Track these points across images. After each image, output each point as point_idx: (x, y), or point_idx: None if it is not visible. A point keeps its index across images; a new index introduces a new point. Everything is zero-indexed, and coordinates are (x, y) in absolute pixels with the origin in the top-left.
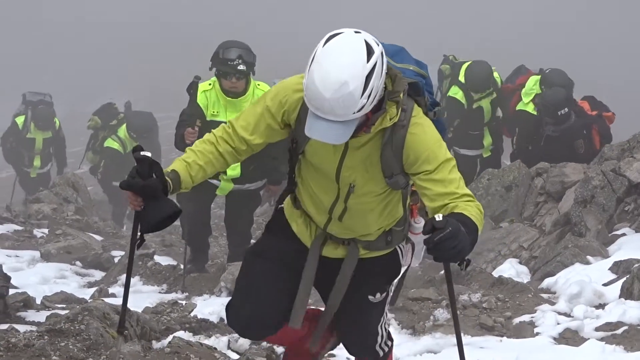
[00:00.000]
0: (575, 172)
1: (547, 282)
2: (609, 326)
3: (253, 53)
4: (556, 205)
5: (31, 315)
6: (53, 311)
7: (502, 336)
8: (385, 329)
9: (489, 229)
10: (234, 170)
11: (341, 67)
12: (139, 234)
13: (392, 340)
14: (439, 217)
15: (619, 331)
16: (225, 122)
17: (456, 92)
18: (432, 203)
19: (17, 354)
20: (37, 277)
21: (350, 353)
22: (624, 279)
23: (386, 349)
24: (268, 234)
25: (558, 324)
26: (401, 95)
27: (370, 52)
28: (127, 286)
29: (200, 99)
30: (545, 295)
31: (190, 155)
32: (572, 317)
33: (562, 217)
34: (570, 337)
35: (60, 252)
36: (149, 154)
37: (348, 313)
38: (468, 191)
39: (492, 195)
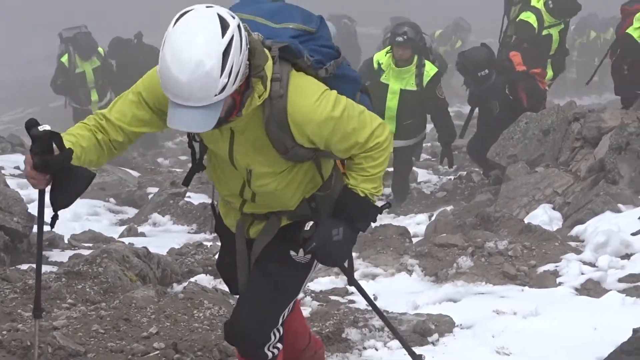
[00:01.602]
0: (613, 118)
1: (577, 229)
2: (632, 278)
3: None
4: (592, 151)
5: (55, 254)
6: (76, 251)
7: (524, 285)
8: (280, 330)
9: (524, 174)
10: None
11: (194, 46)
12: (51, 213)
13: (282, 343)
14: (307, 226)
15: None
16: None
17: (529, 16)
18: (341, 155)
19: (32, 296)
20: (69, 214)
21: (233, 338)
22: None
23: (276, 352)
24: (220, 242)
25: (582, 274)
26: (268, 65)
27: (224, 26)
28: (38, 272)
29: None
30: (573, 244)
31: (69, 138)
32: (597, 267)
33: (597, 163)
34: (591, 288)
35: (94, 189)
36: (47, 127)
37: (264, 269)
38: (371, 128)
39: (530, 139)
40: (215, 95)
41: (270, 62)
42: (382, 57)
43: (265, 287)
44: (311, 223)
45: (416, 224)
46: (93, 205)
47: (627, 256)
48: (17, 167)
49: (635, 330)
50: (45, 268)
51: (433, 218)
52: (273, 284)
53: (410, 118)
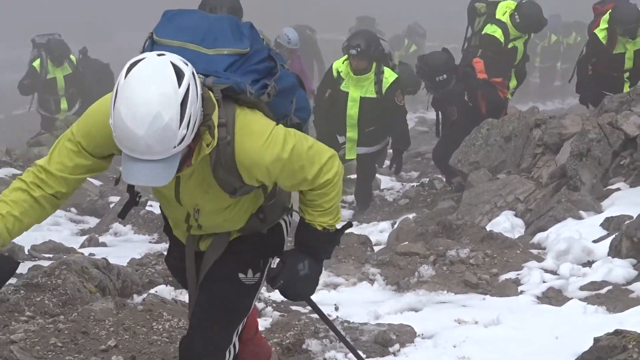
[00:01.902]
0: (574, 124)
1: (539, 237)
2: (593, 285)
3: (239, 5)
4: (554, 158)
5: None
6: (36, 262)
7: (485, 294)
8: (235, 346)
9: (486, 180)
10: None
11: (150, 98)
12: None
13: (236, 350)
14: (274, 263)
15: (603, 291)
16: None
17: (494, 30)
18: (291, 189)
19: None
20: None
21: (195, 352)
22: (614, 236)
23: (233, 354)
24: (168, 250)
25: (543, 282)
26: (215, 114)
27: (180, 75)
28: None
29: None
30: (534, 251)
31: (2, 207)
32: (558, 275)
33: (558, 169)
34: (553, 297)
35: None
36: None
37: (212, 291)
38: (320, 163)
39: (491, 145)
40: (174, 147)
41: (216, 109)
42: (340, 66)
43: (215, 311)
44: (277, 260)
45: (379, 231)
46: (54, 214)
47: (588, 263)
48: None
49: (596, 339)
50: None
51: (395, 226)
52: (223, 307)
53: (372, 125)
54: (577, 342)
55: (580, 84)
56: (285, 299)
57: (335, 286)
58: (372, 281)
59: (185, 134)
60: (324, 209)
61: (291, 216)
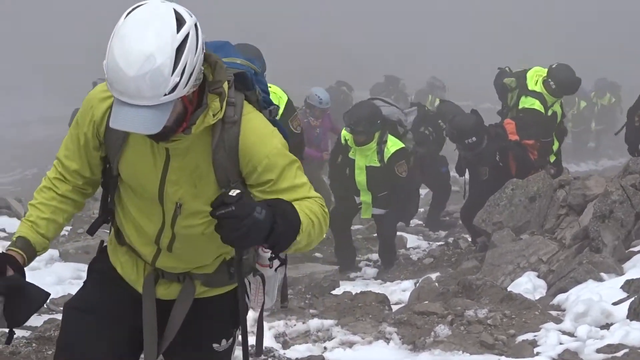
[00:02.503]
0: (598, 186)
1: (559, 298)
2: (610, 348)
3: (263, 60)
4: (577, 219)
5: (32, 319)
6: (52, 316)
7: (501, 355)
8: None
9: (509, 241)
10: None
11: (146, 38)
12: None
13: None
14: (234, 192)
15: (619, 354)
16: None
17: (532, 103)
18: None
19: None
20: (53, 277)
21: None
22: (633, 298)
23: None
24: (90, 281)
25: (560, 343)
26: (225, 86)
27: (180, 22)
28: None
29: None
30: (553, 313)
31: (32, 213)
32: (576, 337)
33: (581, 231)
34: (569, 359)
35: (78, 252)
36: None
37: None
38: (318, 195)
39: (516, 206)
40: (165, 94)
41: (226, 83)
42: (347, 134)
43: None
44: (238, 191)
45: (401, 290)
46: (77, 269)
47: (606, 326)
48: (3, 230)
49: None
50: (18, 332)
51: (417, 285)
52: None
53: (383, 190)
54: None
55: (628, 134)
56: None
57: (351, 344)
58: (388, 340)
59: (178, 82)
60: (308, 211)
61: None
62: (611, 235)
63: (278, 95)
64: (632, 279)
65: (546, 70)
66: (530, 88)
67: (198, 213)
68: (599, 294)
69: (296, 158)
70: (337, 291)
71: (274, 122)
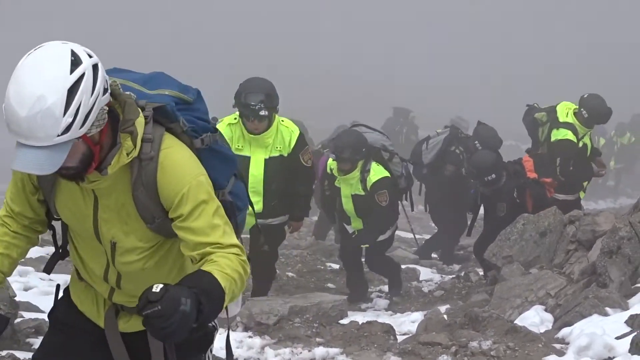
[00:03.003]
0: (607, 222)
1: (564, 332)
2: None
3: (276, 95)
4: (586, 254)
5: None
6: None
7: None
8: None
9: (519, 275)
10: (257, 205)
11: (38, 80)
12: None
13: None
14: (156, 287)
15: None
16: (249, 157)
17: (566, 134)
18: (192, 252)
19: None
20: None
21: None
22: (636, 333)
23: None
24: (52, 326)
25: None
26: (140, 121)
27: (76, 63)
28: None
29: (225, 131)
30: (557, 346)
31: None
32: None
33: (589, 266)
34: None
35: None
36: None
37: None
38: (236, 241)
39: (527, 240)
40: (58, 135)
41: (142, 119)
42: (332, 163)
43: None
44: (161, 285)
45: (410, 322)
46: None
47: (609, 359)
48: None
49: None
50: (24, 354)
51: (424, 315)
52: None
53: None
54: None
55: None
56: None
57: None
58: None
59: (72, 123)
60: (225, 273)
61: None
62: (618, 271)
63: (290, 130)
64: (637, 314)
65: (574, 105)
66: (561, 120)
67: (134, 249)
68: (603, 328)
69: (214, 198)
70: (344, 320)
71: (211, 152)
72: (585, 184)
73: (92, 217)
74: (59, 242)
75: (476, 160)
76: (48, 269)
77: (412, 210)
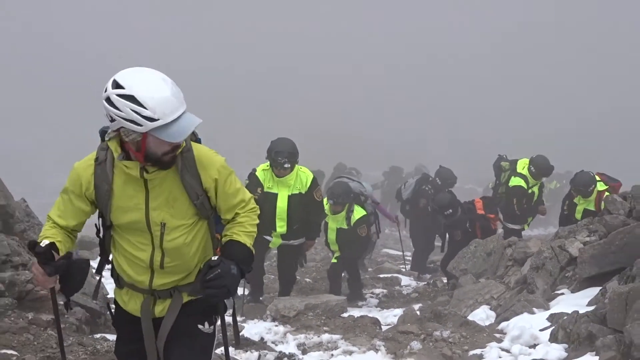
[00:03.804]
0: (535, 246)
1: (502, 325)
2: None
3: (296, 152)
4: (520, 269)
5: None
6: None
7: None
8: None
9: (471, 283)
10: (282, 229)
11: (148, 72)
12: (62, 302)
13: None
14: (214, 258)
15: None
16: (277, 194)
17: (519, 182)
18: (227, 214)
19: (97, 358)
20: None
21: None
22: (554, 327)
23: None
24: (117, 333)
25: (499, 357)
26: None
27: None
28: (60, 341)
29: (260, 175)
30: (497, 335)
31: (52, 235)
32: (511, 353)
33: (522, 277)
34: None
35: None
36: (46, 242)
37: (181, 341)
38: (249, 194)
39: (477, 258)
40: (183, 99)
41: None
42: (326, 203)
43: (193, 356)
44: (216, 257)
45: (393, 315)
46: None
47: (533, 346)
48: None
49: None
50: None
51: (403, 311)
52: (198, 353)
53: (347, 245)
54: None
55: (560, 218)
56: None
57: (350, 353)
58: (377, 350)
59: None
60: (249, 231)
61: None
62: (542, 282)
63: (307, 174)
64: (555, 313)
65: (530, 160)
66: (518, 171)
67: (178, 227)
68: (530, 323)
69: (232, 170)
70: (344, 315)
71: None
72: (529, 219)
73: (144, 207)
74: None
75: (437, 200)
76: (99, 271)
77: (378, 237)
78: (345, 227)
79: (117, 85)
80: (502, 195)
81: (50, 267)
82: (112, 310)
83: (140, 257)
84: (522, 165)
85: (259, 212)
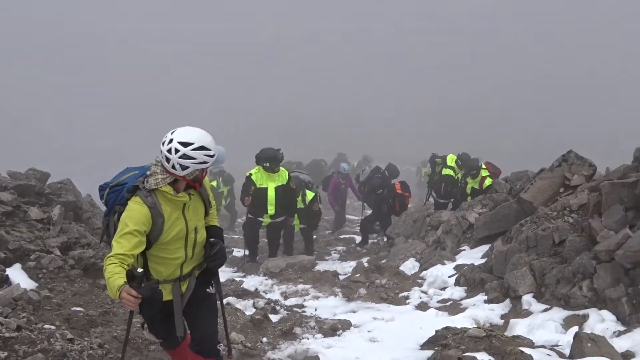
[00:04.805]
0: (446, 216)
1: (423, 273)
2: (444, 300)
3: (278, 159)
4: (435, 232)
5: None
6: None
7: (390, 304)
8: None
9: (403, 242)
10: (272, 211)
11: (196, 129)
12: (140, 322)
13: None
14: (213, 240)
15: (448, 304)
16: (267, 187)
17: (450, 172)
18: (210, 214)
19: None
20: None
21: (202, 349)
22: (457, 274)
23: (220, 351)
24: (154, 319)
25: (420, 298)
26: None
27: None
28: (126, 341)
29: (254, 177)
30: (419, 281)
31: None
32: (427, 294)
33: (437, 238)
34: (423, 306)
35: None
36: (140, 270)
37: (199, 303)
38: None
39: (407, 225)
40: (215, 147)
41: None
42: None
43: (209, 312)
44: (213, 240)
45: (349, 267)
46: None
47: (444, 288)
48: None
49: (436, 331)
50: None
51: (355, 265)
52: (212, 309)
53: (305, 219)
54: (430, 331)
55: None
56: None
57: (317, 297)
58: (335, 295)
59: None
60: (216, 219)
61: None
62: (450, 241)
63: (285, 171)
64: (459, 264)
65: (456, 156)
66: (448, 164)
67: (201, 227)
68: (442, 272)
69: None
70: (314, 269)
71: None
72: (453, 199)
73: (184, 221)
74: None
75: (372, 183)
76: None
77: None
78: (302, 206)
79: (185, 144)
80: (437, 181)
81: (144, 290)
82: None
83: (176, 257)
84: (451, 160)
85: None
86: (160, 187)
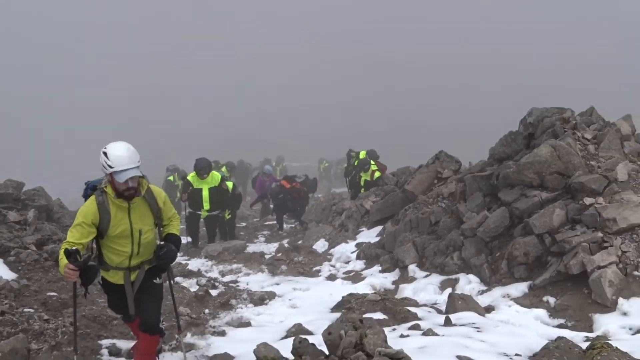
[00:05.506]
0: (348, 204)
1: (331, 251)
2: (348, 272)
3: (210, 166)
4: (341, 217)
5: None
6: None
7: (306, 277)
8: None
9: (315, 226)
10: (207, 207)
11: (122, 144)
12: (84, 289)
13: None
14: (162, 244)
15: (351, 274)
16: (201, 188)
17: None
18: (166, 220)
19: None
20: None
21: (147, 329)
22: (358, 250)
23: (162, 329)
24: (107, 296)
25: (329, 271)
26: (144, 178)
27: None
28: (75, 320)
29: (191, 179)
30: (329, 257)
31: (74, 246)
32: (335, 267)
33: (341, 222)
34: (332, 277)
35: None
36: (74, 248)
37: (146, 291)
38: (174, 211)
39: (317, 212)
40: (138, 161)
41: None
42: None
43: (153, 299)
44: (163, 243)
45: (274, 247)
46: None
47: (348, 262)
48: None
49: (343, 297)
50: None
51: (278, 245)
52: (156, 296)
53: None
54: (337, 297)
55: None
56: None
57: (247, 274)
58: (263, 271)
59: (139, 161)
60: (177, 228)
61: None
62: (352, 225)
63: (217, 174)
64: (359, 242)
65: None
66: (361, 157)
67: (148, 230)
68: (346, 249)
69: (167, 195)
70: (245, 251)
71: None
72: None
73: (129, 223)
74: (89, 254)
75: (271, 193)
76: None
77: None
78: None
79: (105, 148)
80: (351, 172)
81: (80, 264)
82: (101, 283)
83: (124, 250)
84: (363, 154)
85: (179, 218)
86: (104, 187)
